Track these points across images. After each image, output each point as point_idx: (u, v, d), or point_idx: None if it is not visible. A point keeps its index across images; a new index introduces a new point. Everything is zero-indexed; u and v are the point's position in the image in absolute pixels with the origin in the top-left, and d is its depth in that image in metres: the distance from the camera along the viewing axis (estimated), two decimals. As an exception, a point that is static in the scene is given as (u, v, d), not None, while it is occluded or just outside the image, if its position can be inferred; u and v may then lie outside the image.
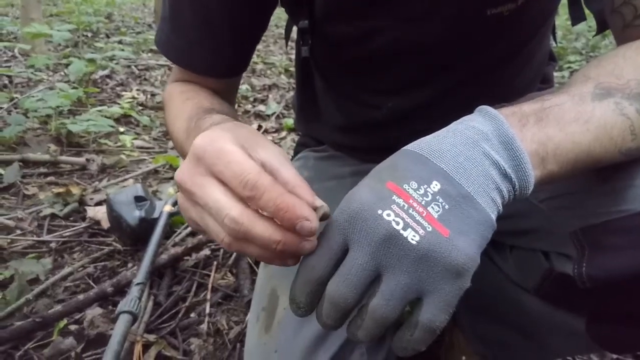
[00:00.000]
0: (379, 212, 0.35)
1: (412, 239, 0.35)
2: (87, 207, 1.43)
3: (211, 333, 1.01)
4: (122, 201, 1.25)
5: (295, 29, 0.78)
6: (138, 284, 0.96)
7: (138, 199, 1.26)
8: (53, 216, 1.41)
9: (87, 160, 1.79)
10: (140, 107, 2.52)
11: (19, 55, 3.20)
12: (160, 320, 1.04)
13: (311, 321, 0.41)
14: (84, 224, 1.37)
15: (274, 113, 2.54)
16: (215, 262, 1.23)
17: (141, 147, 2.02)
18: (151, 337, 0.97)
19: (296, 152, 0.96)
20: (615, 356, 0.98)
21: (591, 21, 0.64)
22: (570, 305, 0.60)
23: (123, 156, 1.87)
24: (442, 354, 0.88)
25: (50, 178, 1.66)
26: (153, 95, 2.74)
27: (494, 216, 0.37)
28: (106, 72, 2.93)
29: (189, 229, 1.33)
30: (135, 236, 1.23)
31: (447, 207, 0.36)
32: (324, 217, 0.38)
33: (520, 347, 0.72)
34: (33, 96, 2.10)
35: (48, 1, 6.16)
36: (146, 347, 0.95)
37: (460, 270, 0.35)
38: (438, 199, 0.36)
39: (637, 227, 0.47)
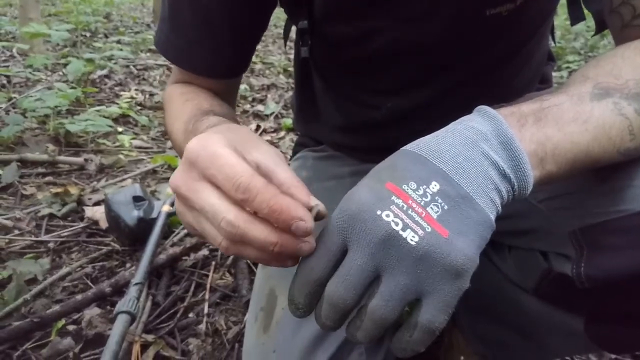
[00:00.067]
0: (378, 212, 0.35)
1: (412, 240, 0.35)
2: (85, 207, 1.43)
3: (209, 333, 1.01)
4: (121, 201, 1.24)
5: (294, 29, 0.78)
6: (136, 284, 0.96)
7: (136, 199, 1.26)
8: (51, 216, 1.41)
9: (86, 160, 1.78)
10: (139, 107, 2.52)
11: (17, 55, 3.19)
12: (158, 320, 1.04)
13: (310, 321, 0.41)
14: (82, 224, 1.37)
15: (273, 113, 2.54)
16: (213, 262, 1.23)
17: (139, 147, 2.01)
18: (149, 337, 0.97)
19: (295, 152, 0.96)
20: (613, 356, 0.98)
21: (590, 21, 0.64)
22: (568, 305, 0.61)
23: (121, 156, 1.86)
24: (441, 355, 0.88)
25: (49, 178, 1.66)
26: (151, 95, 2.73)
27: (493, 217, 0.37)
28: (105, 72, 2.92)
29: (188, 229, 1.32)
30: (134, 236, 1.23)
31: (446, 207, 0.36)
32: (319, 216, 0.38)
33: (519, 347, 0.72)
34: (31, 96, 2.09)
35: (46, 1, 6.15)
36: (144, 347, 0.95)
37: (460, 271, 0.35)
38: (437, 199, 0.36)
39: (635, 227, 0.47)
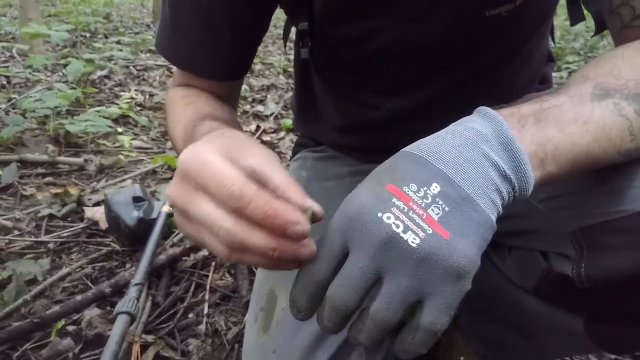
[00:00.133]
0: (379, 215, 0.35)
1: (413, 242, 0.34)
2: (85, 208, 1.43)
3: (209, 333, 1.01)
4: (120, 201, 1.24)
5: (293, 29, 0.78)
6: (136, 284, 0.96)
7: (136, 200, 1.26)
8: (51, 217, 1.41)
9: (85, 160, 1.78)
10: (139, 108, 2.52)
11: (17, 56, 3.19)
12: (158, 320, 1.04)
13: (309, 321, 0.41)
14: (82, 225, 1.37)
15: (273, 113, 2.54)
16: (213, 263, 1.23)
17: (139, 148, 2.01)
18: (149, 338, 0.97)
19: (295, 153, 0.96)
20: (613, 356, 0.98)
21: (589, 22, 0.64)
22: (568, 306, 0.61)
23: (121, 156, 1.86)
24: (440, 355, 0.88)
25: (48, 178, 1.66)
26: (151, 95, 2.73)
27: (494, 218, 0.37)
28: (104, 72, 2.92)
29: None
30: (134, 237, 1.23)
31: (447, 209, 0.36)
32: (315, 218, 0.38)
33: (519, 347, 0.72)
34: (31, 96, 2.09)
35: (46, 1, 6.15)
36: (144, 347, 0.95)
37: (461, 273, 0.35)
38: (438, 201, 0.36)
39: (635, 227, 0.47)
